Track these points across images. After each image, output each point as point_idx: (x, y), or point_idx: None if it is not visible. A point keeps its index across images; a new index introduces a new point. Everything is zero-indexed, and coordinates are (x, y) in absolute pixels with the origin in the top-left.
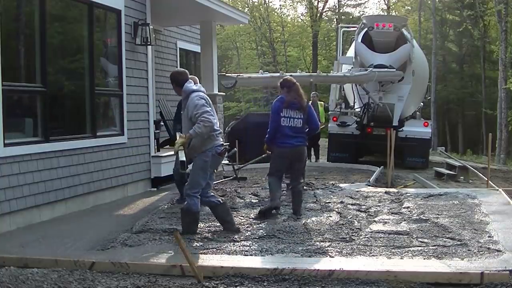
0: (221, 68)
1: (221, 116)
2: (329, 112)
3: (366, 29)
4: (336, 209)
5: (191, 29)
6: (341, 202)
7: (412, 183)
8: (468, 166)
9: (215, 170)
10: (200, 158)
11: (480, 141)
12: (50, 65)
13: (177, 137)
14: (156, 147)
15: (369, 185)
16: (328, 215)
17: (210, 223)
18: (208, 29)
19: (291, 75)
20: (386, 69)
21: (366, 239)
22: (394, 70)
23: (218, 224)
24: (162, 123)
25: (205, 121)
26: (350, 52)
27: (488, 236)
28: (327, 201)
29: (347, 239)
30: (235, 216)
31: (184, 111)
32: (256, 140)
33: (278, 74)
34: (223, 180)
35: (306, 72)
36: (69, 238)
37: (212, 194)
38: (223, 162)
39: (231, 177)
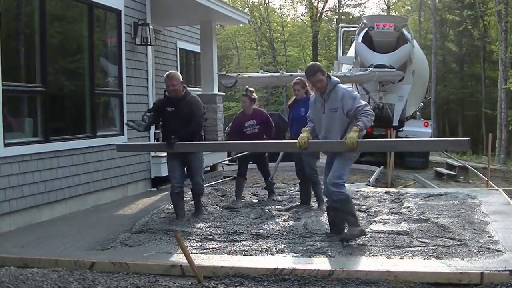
0: (221, 68)
1: (221, 116)
2: None
3: (366, 29)
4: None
5: (191, 29)
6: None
7: (412, 183)
8: (468, 166)
9: None
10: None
11: (480, 141)
12: (50, 65)
13: (303, 133)
14: None
15: (369, 185)
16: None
17: (210, 223)
18: (208, 29)
19: (291, 75)
20: (386, 69)
21: (366, 239)
22: (394, 70)
23: (219, 224)
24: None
25: (371, 114)
26: (350, 52)
27: (488, 236)
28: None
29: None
30: (235, 216)
31: (328, 104)
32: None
33: (278, 74)
34: (223, 180)
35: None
36: (69, 238)
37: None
38: (223, 162)
39: (231, 177)
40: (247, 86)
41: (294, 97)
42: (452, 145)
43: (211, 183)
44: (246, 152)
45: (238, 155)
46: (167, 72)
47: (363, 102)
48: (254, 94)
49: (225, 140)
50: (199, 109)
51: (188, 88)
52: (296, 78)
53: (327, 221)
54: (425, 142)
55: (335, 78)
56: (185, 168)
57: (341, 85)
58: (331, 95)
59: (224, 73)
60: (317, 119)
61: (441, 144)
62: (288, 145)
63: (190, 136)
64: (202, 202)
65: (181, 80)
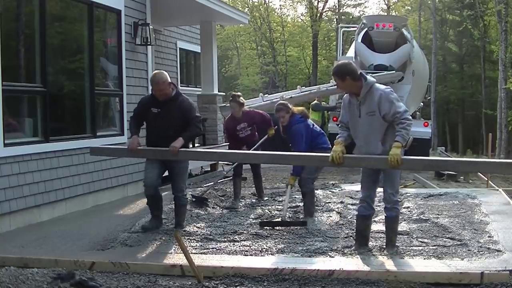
0: (221, 68)
1: (222, 116)
2: (329, 112)
3: (366, 29)
4: (336, 209)
5: (191, 29)
6: (341, 202)
7: (412, 183)
8: None
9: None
10: None
11: (480, 141)
12: (50, 65)
13: (337, 146)
14: None
15: None
16: (328, 215)
17: (210, 223)
18: (208, 29)
19: (291, 97)
20: (385, 72)
21: None
22: (394, 71)
23: (219, 224)
24: None
25: (410, 124)
26: (350, 52)
27: (488, 236)
28: (327, 201)
29: (347, 239)
30: (235, 216)
31: (364, 107)
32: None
33: (278, 98)
34: (223, 180)
35: (305, 90)
36: (69, 238)
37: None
38: (223, 163)
39: (231, 177)
40: (233, 92)
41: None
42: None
43: (211, 183)
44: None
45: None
46: (152, 75)
47: (402, 107)
48: (241, 98)
49: (225, 141)
50: (195, 112)
51: (179, 88)
52: (278, 104)
53: (328, 220)
54: (476, 163)
55: (371, 78)
56: (166, 172)
57: (378, 85)
58: (367, 97)
59: (225, 104)
60: (353, 123)
61: (495, 166)
62: (319, 160)
63: (190, 138)
64: (163, 223)
65: (169, 81)
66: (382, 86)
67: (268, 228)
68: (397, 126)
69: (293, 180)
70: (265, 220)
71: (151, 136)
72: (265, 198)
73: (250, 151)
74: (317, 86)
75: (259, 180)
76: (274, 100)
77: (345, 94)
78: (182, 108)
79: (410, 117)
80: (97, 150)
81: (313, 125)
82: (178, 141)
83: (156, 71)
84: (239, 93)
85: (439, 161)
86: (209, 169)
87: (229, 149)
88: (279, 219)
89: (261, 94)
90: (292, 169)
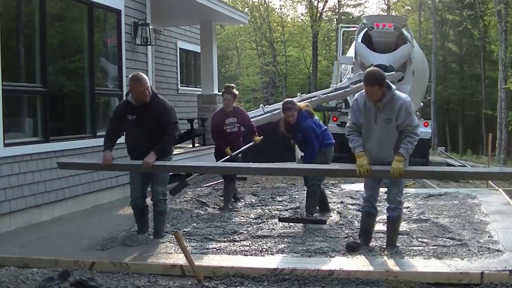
0: (221, 68)
1: None
2: (329, 112)
3: (366, 29)
4: (336, 209)
5: (191, 29)
6: (341, 202)
7: (412, 183)
8: (468, 166)
9: None
10: None
11: (480, 141)
12: (50, 65)
13: (362, 159)
14: None
15: None
16: (328, 215)
17: (210, 223)
18: (208, 29)
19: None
20: (385, 73)
21: None
22: (394, 72)
23: (219, 224)
24: None
25: (417, 139)
26: (350, 52)
27: (488, 236)
28: (327, 202)
29: (347, 239)
30: (235, 216)
31: (382, 114)
32: None
33: (278, 111)
34: (223, 180)
35: (306, 98)
36: (69, 238)
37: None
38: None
39: None
40: (227, 83)
41: (285, 120)
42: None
43: (211, 183)
44: (229, 157)
45: (242, 148)
46: (131, 75)
47: (416, 122)
48: (235, 90)
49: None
50: (169, 117)
51: (154, 91)
52: (287, 103)
53: (328, 220)
54: (481, 174)
55: (393, 86)
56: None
57: (398, 93)
58: (387, 105)
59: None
60: (366, 127)
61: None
62: (346, 172)
63: (163, 151)
64: (166, 224)
65: (148, 83)
66: (403, 95)
67: (268, 228)
68: (404, 139)
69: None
70: (283, 217)
71: (130, 143)
72: (230, 207)
73: (251, 164)
74: (317, 92)
75: (232, 186)
76: (275, 112)
77: (357, 96)
78: (157, 112)
79: (419, 133)
80: (66, 164)
81: (318, 119)
82: (150, 156)
83: (136, 73)
84: (232, 84)
85: (445, 171)
86: None
87: (216, 147)
88: (298, 216)
89: (261, 105)
90: (305, 159)
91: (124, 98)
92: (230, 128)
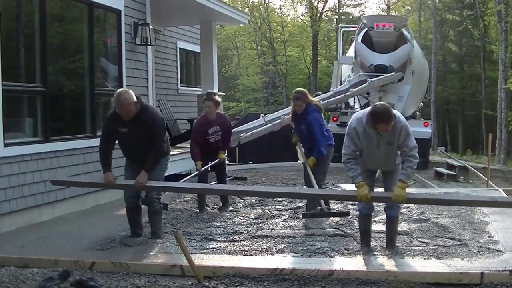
0: (221, 68)
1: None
2: (329, 113)
3: (366, 29)
4: (336, 209)
5: (191, 29)
6: (341, 202)
7: (412, 183)
8: (468, 166)
9: None
10: None
11: (480, 141)
12: (50, 65)
13: (363, 188)
14: None
15: None
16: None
17: (210, 223)
18: (208, 29)
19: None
20: (385, 75)
21: None
22: (394, 72)
23: (219, 224)
24: None
25: (416, 162)
26: (350, 52)
27: (488, 236)
28: (328, 202)
29: (347, 239)
30: (235, 216)
31: (384, 138)
32: (256, 140)
33: (279, 120)
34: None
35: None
36: (69, 238)
37: None
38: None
39: (231, 177)
40: (208, 90)
41: (294, 110)
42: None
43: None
44: (197, 172)
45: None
46: (117, 94)
47: (413, 143)
48: (217, 96)
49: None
50: (155, 127)
51: (142, 101)
52: (297, 92)
53: (328, 220)
54: (488, 203)
55: (398, 113)
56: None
57: (398, 116)
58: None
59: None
60: (368, 151)
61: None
62: (347, 198)
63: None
64: (163, 223)
65: (134, 100)
66: (402, 118)
67: (268, 228)
68: (404, 163)
69: (313, 162)
70: (307, 212)
71: (124, 150)
72: (230, 209)
73: (245, 188)
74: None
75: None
76: (276, 122)
77: (355, 125)
78: (146, 124)
79: (417, 155)
80: (59, 182)
81: (323, 118)
82: (142, 176)
83: (120, 91)
84: (215, 91)
85: (449, 199)
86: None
87: (192, 153)
88: (321, 210)
89: (262, 114)
90: (316, 151)
91: (114, 109)
92: (213, 138)
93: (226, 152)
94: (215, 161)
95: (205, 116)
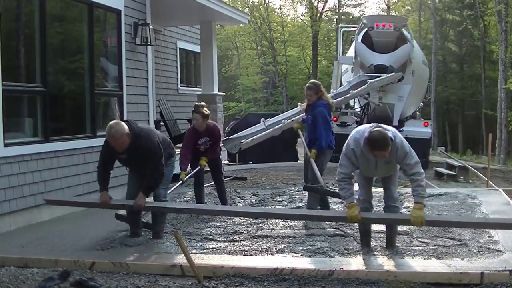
0: (221, 68)
1: (221, 116)
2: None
3: (366, 29)
4: (337, 209)
5: (191, 29)
6: (341, 202)
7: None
8: (468, 166)
9: None
10: None
11: (480, 141)
12: (50, 65)
13: (353, 209)
14: None
15: None
16: None
17: (210, 223)
18: (208, 29)
19: (292, 120)
20: (385, 75)
21: None
22: (393, 73)
23: (219, 224)
24: (162, 123)
25: (423, 179)
26: (350, 52)
27: (488, 236)
28: (328, 201)
29: (347, 239)
30: (235, 216)
31: (381, 160)
32: None
33: (279, 125)
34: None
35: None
36: (69, 238)
37: None
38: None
39: (231, 177)
40: (196, 102)
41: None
42: None
43: (211, 183)
44: (181, 182)
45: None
46: (108, 127)
47: (414, 159)
48: (205, 109)
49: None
50: (151, 152)
51: (134, 128)
52: (311, 83)
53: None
54: (494, 225)
55: (393, 132)
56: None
57: (395, 136)
58: None
59: (227, 137)
60: (367, 171)
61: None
62: (337, 219)
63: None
64: (165, 225)
65: (126, 131)
66: (397, 138)
67: (268, 228)
68: (412, 184)
69: (315, 154)
70: (310, 185)
71: (125, 167)
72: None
73: (241, 208)
74: None
75: (222, 188)
76: (276, 127)
77: (353, 146)
78: (142, 150)
79: (422, 170)
80: (54, 202)
81: (331, 117)
82: (140, 198)
83: (111, 123)
84: (203, 103)
85: (461, 222)
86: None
87: (181, 158)
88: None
89: (262, 119)
90: (317, 145)
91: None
92: (203, 147)
93: (221, 153)
94: (196, 169)
95: (193, 127)
